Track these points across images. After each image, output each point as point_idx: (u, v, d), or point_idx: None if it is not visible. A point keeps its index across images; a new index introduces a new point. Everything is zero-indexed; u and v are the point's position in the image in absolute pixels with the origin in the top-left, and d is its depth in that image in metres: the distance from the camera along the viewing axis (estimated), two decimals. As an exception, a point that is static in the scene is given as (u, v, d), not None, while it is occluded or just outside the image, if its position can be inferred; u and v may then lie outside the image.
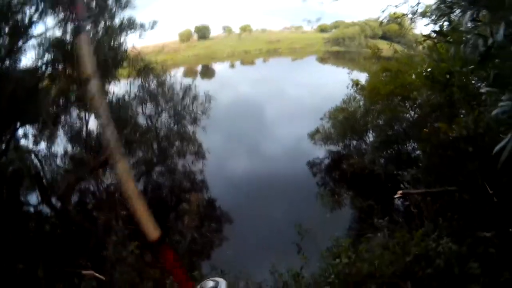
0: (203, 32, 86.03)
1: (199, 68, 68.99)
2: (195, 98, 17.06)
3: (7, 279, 9.31)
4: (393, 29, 48.63)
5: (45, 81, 14.59)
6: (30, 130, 14.89)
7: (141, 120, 16.32)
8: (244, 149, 24.91)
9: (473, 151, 8.29)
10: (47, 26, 13.81)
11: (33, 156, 13.68)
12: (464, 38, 4.67)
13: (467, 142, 8.37)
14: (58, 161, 15.31)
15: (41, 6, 13.17)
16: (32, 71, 13.74)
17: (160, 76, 16.65)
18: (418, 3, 11.94)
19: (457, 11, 5.31)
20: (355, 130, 18.25)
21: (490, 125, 7.54)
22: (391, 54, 18.60)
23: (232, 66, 71.66)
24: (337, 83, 24.64)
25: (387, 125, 15.93)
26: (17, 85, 12.48)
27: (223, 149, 23.21)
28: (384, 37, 65.37)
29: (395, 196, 10.27)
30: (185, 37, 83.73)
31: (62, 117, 15.41)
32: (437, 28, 7.10)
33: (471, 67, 6.17)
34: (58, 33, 14.06)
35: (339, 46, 78.31)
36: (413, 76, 13.19)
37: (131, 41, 16.13)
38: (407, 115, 15.11)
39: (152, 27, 16.56)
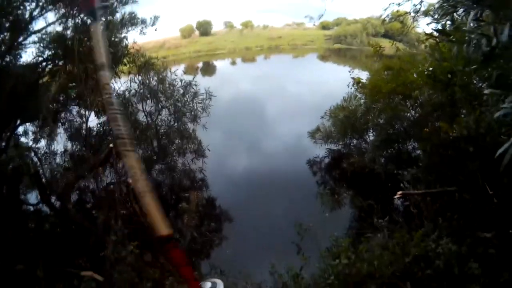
0: (204, 28, 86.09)
1: (200, 64, 68.92)
2: (195, 95, 16.98)
3: (7, 279, 9.29)
4: (396, 27, 48.45)
5: (46, 77, 14.57)
6: (30, 127, 14.89)
7: (141, 117, 16.28)
8: (245, 147, 24.90)
9: (474, 151, 8.24)
10: (48, 21, 13.78)
11: (32, 154, 13.65)
12: (467, 38, 4.63)
13: (468, 142, 8.33)
14: (58, 159, 15.30)
15: (42, 1, 13.12)
16: (33, 67, 13.71)
17: (160, 72, 16.58)
18: (421, 2, 11.92)
19: (461, 10, 5.26)
20: (355, 128, 18.19)
21: (491, 125, 7.51)
22: (393, 52, 18.56)
23: (233, 63, 71.65)
24: (338, 81, 24.61)
25: (388, 124, 15.87)
26: (17, 81, 12.45)
27: (223, 146, 23.20)
28: (386, 35, 65.16)
29: (395, 197, 10.24)
30: (186, 32, 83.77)
31: (62, 114, 15.40)
32: (439, 27, 7.06)
33: (474, 67, 6.11)
34: (59, 28, 14.04)
35: (340, 44, 78.28)
36: (415, 75, 13.14)
37: (132, 37, 16.11)
38: (408, 114, 15.06)
39: (153, 23, 16.51)
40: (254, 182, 18.71)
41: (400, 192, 10.11)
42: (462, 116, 9.38)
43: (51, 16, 13.69)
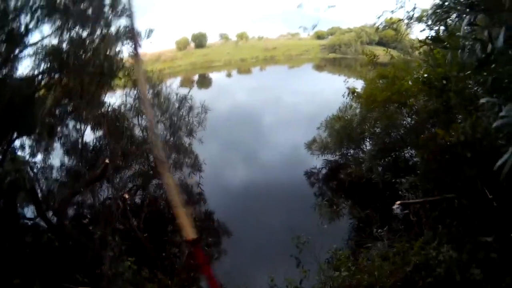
0: (200, 40, 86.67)
1: (196, 77, 69.09)
2: (191, 109, 16.93)
3: (3, 294, 9.22)
4: (389, 34, 48.79)
5: (41, 90, 14.53)
6: (26, 141, 14.83)
7: (137, 132, 16.19)
8: (242, 159, 24.84)
9: (471, 156, 8.20)
10: (43, 34, 13.78)
11: (29, 168, 13.57)
12: (461, 43, 4.60)
13: (465, 148, 8.28)
14: (54, 173, 15.21)
15: (37, 14, 13.12)
16: (28, 80, 13.66)
17: (156, 86, 16.52)
18: (414, 8, 11.94)
19: (454, 15, 5.24)
20: (352, 138, 18.16)
21: (488, 130, 7.46)
22: (388, 60, 18.58)
23: (229, 75, 71.91)
24: (333, 90, 24.64)
25: (384, 132, 15.84)
26: (13, 94, 12.40)
27: (220, 159, 23.15)
28: (380, 42, 65.67)
29: (394, 207, 10.18)
30: (182, 45, 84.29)
31: (58, 128, 15.33)
32: (433, 33, 7.06)
33: (468, 72, 6.09)
34: (54, 41, 14.03)
35: (335, 53, 78.81)
36: (410, 82, 13.13)
37: (128, 50, 16.09)
38: (404, 121, 15.04)
39: (148, 36, 16.50)
40: (252, 195, 18.63)
41: (398, 202, 10.05)
42: (458, 121, 9.35)
43: (46, 28, 13.69)
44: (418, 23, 12.78)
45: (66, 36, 13.74)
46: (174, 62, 73.31)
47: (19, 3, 12.51)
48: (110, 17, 14.55)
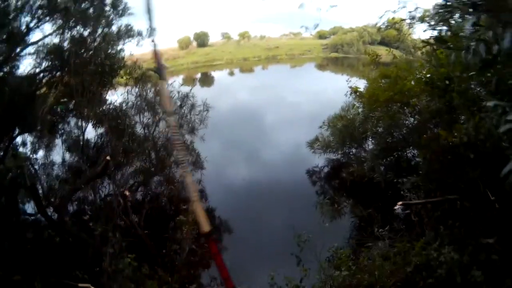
0: (202, 39, 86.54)
1: (198, 75, 69.02)
2: (193, 107, 16.92)
3: (3, 290, 9.21)
4: (392, 34, 48.64)
5: (43, 88, 14.55)
6: (28, 138, 14.85)
7: (139, 130, 16.20)
8: (243, 157, 24.81)
9: (474, 157, 8.16)
10: (45, 33, 13.79)
11: (30, 165, 13.59)
12: (465, 44, 4.56)
13: (468, 149, 8.25)
14: (55, 170, 15.24)
15: (38, 13, 13.13)
16: (30, 78, 13.69)
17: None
18: (416, 8, 11.90)
19: (457, 15, 5.21)
20: (354, 137, 18.11)
21: (491, 131, 7.43)
22: (390, 59, 18.53)
23: (231, 73, 71.78)
24: (336, 89, 24.62)
25: (387, 132, 15.80)
26: (15, 91, 12.43)
27: (222, 157, 23.12)
28: (382, 42, 65.59)
29: (395, 208, 10.14)
30: (184, 44, 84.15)
31: (60, 125, 15.35)
32: (435, 33, 7.02)
33: (472, 73, 6.05)
34: (56, 40, 14.06)
35: (337, 52, 78.64)
36: (412, 82, 13.08)
37: (130, 49, 16.10)
38: (406, 121, 14.99)
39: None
40: (253, 193, 18.61)
41: (400, 203, 10.01)
42: (461, 122, 9.31)
43: (48, 27, 13.71)
44: (420, 23, 12.76)
45: (67, 35, 13.78)
46: (176, 60, 73.18)
47: (19, 3, 12.52)
48: (112, 16, 14.56)
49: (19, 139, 14.77)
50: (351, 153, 19.37)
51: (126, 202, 12.66)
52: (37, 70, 14.13)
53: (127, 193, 13.09)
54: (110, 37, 14.90)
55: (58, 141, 15.60)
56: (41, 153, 15.35)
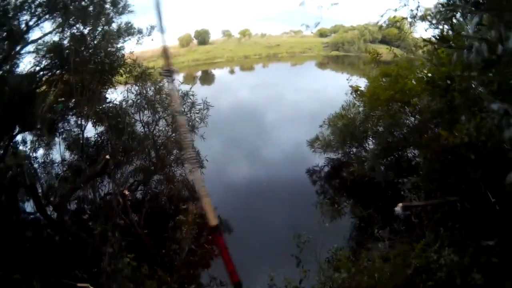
0: (203, 37, 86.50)
1: (199, 73, 69.00)
2: (193, 105, 16.86)
3: (3, 288, 9.21)
4: (393, 33, 48.53)
5: (43, 86, 14.54)
6: (28, 136, 14.84)
7: (139, 128, 16.16)
8: (244, 156, 24.78)
9: (475, 158, 8.11)
10: (45, 31, 13.77)
11: (29, 163, 13.57)
12: (466, 43, 4.51)
13: (469, 149, 8.20)
14: (55, 169, 15.22)
15: (38, 11, 13.10)
16: (30, 76, 13.68)
17: (157, 83, 16.46)
18: (418, 7, 11.84)
19: (458, 14, 5.16)
20: (354, 137, 18.05)
21: (492, 132, 7.37)
22: (391, 58, 18.46)
23: (232, 71, 71.78)
24: (336, 88, 24.58)
25: (387, 131, 15.74)
26: (15, 90, 12.41)
27: (222, 155, 23.10)
28: (383, 41, 65.50)
29: (395, 209, 10.07)
30: (184, 41, 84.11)
31: (60, 124, 15.33)
32: (437, 31, 6.97)
33: (474, 73, 5.99)
34: (55, 38, 14.03)
35: (338, 51, 78.59)
36: (413, 81, 13.02)
37: (130, 47, 16.07)
38: (407, 121, 14.93)
39: (150, 33, 16.48)
40: (253, 192, 18.59)
41: (400, 205, 9.94)
42: (462, 122, 9.25)
43: (47, 25, 13.68)
44: (421, 22, 12.70)
45: (67, 33, 13.74)
46: (176, 58, 73.04)
47: (19, 1, 12.49)
48: (111, 14, 14.52)
49: (19, 137, 14.78)
50: (351, 152, 19.30)
51: (126, 201, 12.62)
52: (37, 68, 14.12)
53: (126, 192, 13.05)
54: (110, 35, 14.86)
55: (58, 140, 15.59)
56: (41, 151, 15.37)
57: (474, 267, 6.74)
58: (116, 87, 16.14)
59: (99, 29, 14.57)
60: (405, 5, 12.15)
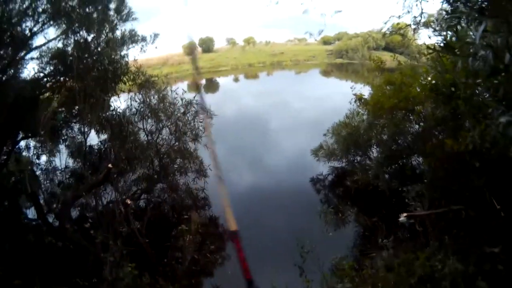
0: (207, 45, 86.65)
1: (203, 81, 69.12)
2: (196, 114, 16.82)
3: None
4: (396, 39, 48.54)
5: (46, 93, 14.57)
6: (31, 142, 14.85)
7: (142, 136, 16.14)
8: (247, 165, 24.71)
9: (479, 165, 8.03)
10: (49, 38, 13.81)
11: (31, 170, 13.58)
12: (472, 51, 4.46)
13: (473, 156, 8.12)
14: (57, 176, 15.20)
15: (42, 17, 13.16)
16: (33, 82, 13.71)
17: (161, 90, 16.46)
18: (421, 14, 11.78)
19: (463, 22, 5.11)
20: (358, 145, 17.97)
21: (497, 139, 7.29)
22: (395, 65, 18.40)
23: (236, 79, 71.89)
24: (340, 96, 24.52)
25: (391, 139, 15.65)
26: (18, 96, 12.44)
27: (225, 164, 22.95)
28: (387, 48, 65.48)
29: (400, 219, 9.97)
30: (189, 49, 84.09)
31: (63, 131, 15.34)
32: (441, 38, 6.90)
33: (479, 81, 5.93)
34: (59, 44, 14.08)
35: (342, 58, 78.62)
36: (418, 89, 12.96)
37: (134, 54, 16.09)
38: (411, 129, 14.85)
39: (153, 40, 16.52)
40: (257, 201, 18.46)
41: (405, 214, 9.84)
42: (466, 129, 9.17)
43: (51, 32, 13.73)
44: (425, 28, 12.65)
45: (71, 39, 13.77)
46: (181, 66, 73.22)
47: (23, 7, 12.53)
48: (115, 21, 14.56)
49: (23, 144, 14.81)
50: (355, 161, 19.18)
51: (128, 210, 12.57)
52: (41, 74, 14.16)
53: (128, 201, 13.00)
54: (114, 42, 14.89)
55: (61, 147, 15.59)
56: (44, 158, 15.36)
57: (479, 275, 6.67)
58: (120, 95, 16.12)
59: (103, 36, 14.60)
60: (408, 12, 12.11)
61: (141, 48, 16.23)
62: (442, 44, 6.91)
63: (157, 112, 16.00)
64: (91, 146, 15.71)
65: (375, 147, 17.75)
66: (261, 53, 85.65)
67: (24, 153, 14.80)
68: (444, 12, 5.60)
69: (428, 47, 9.28)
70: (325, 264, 9.13)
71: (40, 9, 12.94)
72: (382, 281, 7.39)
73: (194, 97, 17.02)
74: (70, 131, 15.60)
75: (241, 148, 27.44)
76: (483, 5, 4.37)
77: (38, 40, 13.69)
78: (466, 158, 8.19)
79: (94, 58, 14.23)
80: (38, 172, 14.70)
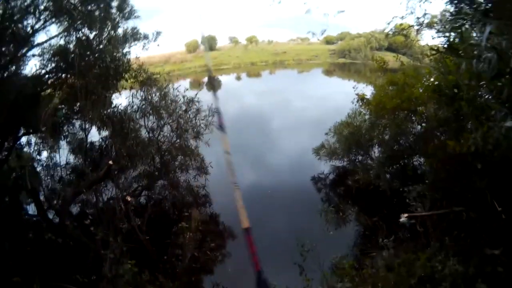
0: (210, 43, 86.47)
1: (205, 79, 69.08)
2: (198, 111, 16.82)
3: (2, 291, 9.19)
4: (399, 40, 48.43)
5: (48, 89, 14.57)
6: (32, 139, 14.86)
7: (143, 133, 16.14)
8: (249, 163, 24.63)
9: (481, 167, 8.01)
10: (50, 35, 13.81)
11: (32, 167, 13.58)
12: (476, 52, 4.44)
13: (476, 158, 8.09)
14: (58, 173, 15.21)
15: (44, 15, 13.15)
16: (35, 79, 13.70)
17: (163, 88, 16.46)
18: (425, 14, 11.76)
19: (467, 23, 5.09)
20: (360, 145, 17.94)
21: (499, 141, 7.27)
22: (398, 66, 18.38)
23: (239, 78, 71.84)
24: (342, 96, 24.47)
25: (393, 140, 15.63)
26: (19, 92, 12.45)
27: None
28: (390, 48, 65.44)
29: (400, 220, 9.95)
30: (191, 47, 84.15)
31: (64, 127, 15.34)
32: (444, 39, 6.89)
33: (482, 82, 5.92)
34: (61, 41, 14.07)
35: (345, 58, 78.54)
36: (420, 90, 12.94)
37: (136, 52, 16.08)
38: (413, 129, 14.84)
39: (155, 38, 16.51)
40: (258, 199, 18.43)
41: (406, 215, 9.82)
42: (469, 131, 9.14)
43: (53, 29, 13.73)
44: (428, 29, 12.62)
45: (73, 37, 13.77)
46: (183, 64, 73.43)
47: (24, 4, 12.53)
48: (118, 18, 14.55)
49: (24, 140, 14.81)
50: (357, 160, 19.16)
51: (128, 207, 12.57)
52: (42, 71, 14.14)
53: (129, 198, 13.00)
54: (116, 40, 14.88)
55: (62, 143, 15.60)
56: (45, 154, 15.36)
57: (479, 277, 6.66)
58: (121, 92, 16.11)
59: (105, 33, 14.59)
60: (411, 12, 12.09)
61: (143, 46, 16.23)
62: (446, 46, 6.90)
63: (158, 109, 16.00)
64: (92, 143, 15.71)
65: (376, 147, 17.74)
66: (263, 52, 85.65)
67: (25, 149, 14.78)
68: (447, 13, 5.58)
69: (431, 48, 9.26)
70: (325, 263, 9.13)
71: (42, 7, 12.93)
72: (382, 281, 7.38)
73: (196, 94, 17.05)
74: (71, 127, 15.59)
75: (243, 147, 27.41)
76: (488, 7, 4.35)
77: (40, 37, 13.68)
78: (468, 160, 8.16)
79: (96, 55, 14.22)
80: (39, 168, 14.70)
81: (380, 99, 15.22)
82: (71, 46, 14.02)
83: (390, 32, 14.43)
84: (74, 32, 13.85)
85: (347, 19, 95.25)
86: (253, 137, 29.79)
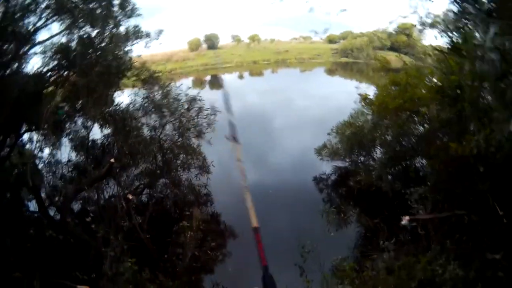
0: (212, 41, 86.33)
1: (207, 78, 69.05)
2: (200, 110, 16.82)
3: (3, 286, 9.17)
4: (402, 39, 48.29)
5: (50, 87, 14.58)
6: (34, 136, 14.87)
7: (145, 131, 16.13)
8: (251, 162, 24.57)
9: (484, 170, 7.97)
10: (52, 32, 13.82)
11: (34, 163, 13.58)
12: (479, 53, 4.41)
13: (478, 160, 8.06)
14: (60, 170, 15.21)
15: (45, 12, 13.16)
16: (37, 77, 13.72)
17: (165, 86, 16.46)
18: (427, 14, 11.71)
19: (470, 24, 5.06)
20: (362, 145, 17.88)
21: (502, 143, 7.23)
22: (400, 65, 18.33)
23: (241, 76, 71.72)
24: (345, 95, 24.44)
25: (395, 140, 15.59)
26: (22, 90, 12.46)
27: (229, 161, 22.94)
28: (392, 48, 65.08)
29: (402, 222, 9.92)
30: (194, 45, 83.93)
31: (66, 125, 15.35)
32: (447, 39, 6.86)
33: (485, 84, 5.88)
34: (63, 39, 14.08)
35: (347, 57, 78.23)
36: (423, 91, 12.90)
37: (138, 50, 16.10)
38: (416, 130, 14.80)
39: (158, 37, 16.52)
40: (260, 199, 18.39)
41: (407, 218, 9.78)
42: (471, 133, 9.10)
43: (55, 27, 13.73)
44: (431, 29, 12.58)
45: (74, 35, 13.78)
46: (185, 62, 73.28)
47: (26, 2, 12.55)
48: (119, 17, 14.57)
49: (26, 136, 14.83)
50: (359, 161, 19.10)
51: (130, 205, 12.57)
52: (44, 69, 14.15)
53: (130, 196, 13.00)
54: (118, 38, 14.89)
55: (64, 141, 15.60)
56: (47, 151, 15.37)
57: (480, 282, 6.62)
58: (123, 90, 16.13)
59: (107, 32, 14.60)
60: (414, 12, 12.05)
61: (146, 44, 16.26)
62: (448, 46, 6.87)
63: (160, 107, 15.99)
64: (94, 140, 15.71)
65: (379, 147, 17.67)
66: (265, 51, 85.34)
67: (27, 146, 14.80)
68: (451, 13, 5.54)
69: (434, 48, 9.23)
70: (326, 265, 9.11)
71: (43, 5, 12.94)
72: (382, 283, 7.36)
73: (198, 93, 17.07)
74: (73, 125, 15.59)
75: (245, 145, 27.20)
76: (491, 7, 4.32)
77: (41, 35, 13.69)
78: (470, 162, 8.13)
79: (98, 53, 14.23)
80: (40, 165, 14.70)
81: (382, 99, 15.20)
82: (73, 44, 14.04)
83: (393, 32, 14.43)
84: (76, 30, 13.85)
85: (350, 18, 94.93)
86: (255, 136, 29.69)
